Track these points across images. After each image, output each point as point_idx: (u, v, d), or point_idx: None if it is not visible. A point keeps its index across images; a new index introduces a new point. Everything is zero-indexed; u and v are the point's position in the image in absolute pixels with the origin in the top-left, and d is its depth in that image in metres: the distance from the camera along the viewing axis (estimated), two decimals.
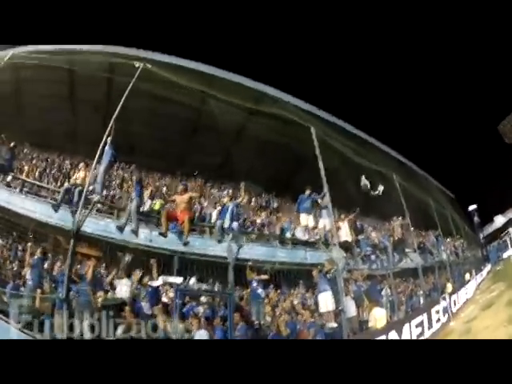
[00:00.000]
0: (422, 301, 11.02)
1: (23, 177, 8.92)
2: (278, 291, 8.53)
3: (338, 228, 8.14)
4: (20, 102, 11.69)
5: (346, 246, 8.06)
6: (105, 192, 10.77)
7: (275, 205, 13.72)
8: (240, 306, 6.85)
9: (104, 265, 7.62)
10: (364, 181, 9.61)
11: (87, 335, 4.45)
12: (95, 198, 6.10)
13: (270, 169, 13.89)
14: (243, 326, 6.18)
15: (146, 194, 9.06)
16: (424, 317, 7.97)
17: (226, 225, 6.97)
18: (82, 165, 7.45)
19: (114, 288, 6.40)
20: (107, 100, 10.99)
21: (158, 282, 6.45)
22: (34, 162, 11.20)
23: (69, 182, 7.76)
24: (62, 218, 6.69)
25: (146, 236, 7.66)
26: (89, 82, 10.78)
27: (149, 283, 6.45)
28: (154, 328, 4.92)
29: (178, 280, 6.72)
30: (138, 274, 6.60)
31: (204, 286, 7.50)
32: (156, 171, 14.73)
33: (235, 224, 6.87)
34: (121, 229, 5.93)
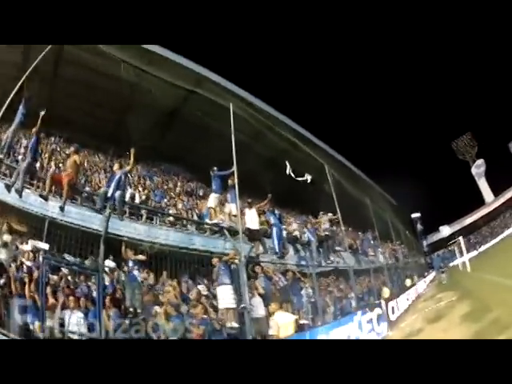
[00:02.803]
0: (353, 304, 10.31)
1: None
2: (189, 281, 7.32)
3: (243, 214, 7.19)
4: None
5: (252, 235, 7.09)
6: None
7: (201, 193, 12.76)
8: (114, 289, 5.77)
9: None
10: (289, 167, 8.89)
11: None
12: None
13: (202, 155, 13.03)
14: (116, 312, 5.15)
15: None
16: (351, 327, 6.54)
17: (109, 193, 6.13)
18: None
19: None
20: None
21: (27, 246, 6.24)
22: None
23: None
24: None
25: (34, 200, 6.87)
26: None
27: (19, 246, 6.21)
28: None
29: (45, 246, 6.22)
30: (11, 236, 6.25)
31: (72, 259, 6.31)
32: (89, 148, 13.74)
33: (117, 193, 5.99)
34: (8, 187, 5.70)
